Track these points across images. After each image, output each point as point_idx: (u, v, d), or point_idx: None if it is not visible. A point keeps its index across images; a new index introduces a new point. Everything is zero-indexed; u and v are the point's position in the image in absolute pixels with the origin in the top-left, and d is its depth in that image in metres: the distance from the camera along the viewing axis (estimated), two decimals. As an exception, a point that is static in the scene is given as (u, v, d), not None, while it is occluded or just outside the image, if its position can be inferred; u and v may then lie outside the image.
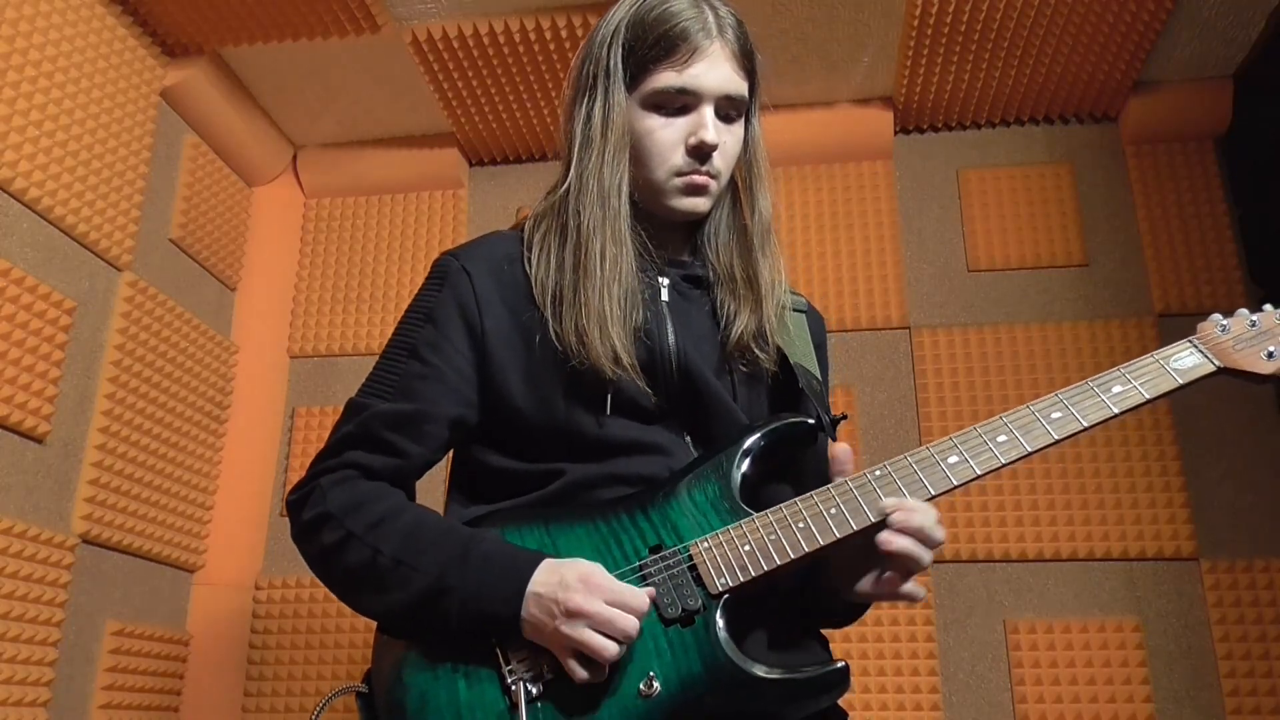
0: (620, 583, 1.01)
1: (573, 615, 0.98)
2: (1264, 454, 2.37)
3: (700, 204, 1.21)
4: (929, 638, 2.35)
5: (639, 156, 1.20)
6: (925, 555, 1.03)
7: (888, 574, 1.06)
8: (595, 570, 1.01)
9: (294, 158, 2.94)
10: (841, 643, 2.34)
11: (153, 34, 2.45)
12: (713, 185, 1.21)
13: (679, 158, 1.19)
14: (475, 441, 1.20)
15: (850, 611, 1.20)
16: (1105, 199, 2.66)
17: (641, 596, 1.00)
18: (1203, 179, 2.61)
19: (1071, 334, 2.52)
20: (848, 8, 2.36)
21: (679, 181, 1.19)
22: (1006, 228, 2.66)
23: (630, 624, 0.98)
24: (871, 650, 2.35)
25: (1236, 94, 2.57)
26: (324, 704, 1.11)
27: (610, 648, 0.97)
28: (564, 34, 2.41)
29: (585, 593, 0.98)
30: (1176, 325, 2.50)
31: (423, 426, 1.14)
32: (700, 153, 1.18)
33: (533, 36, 2.42)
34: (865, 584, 1.09)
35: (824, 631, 1.21)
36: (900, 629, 2.36)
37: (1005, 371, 2.52)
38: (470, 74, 2.57)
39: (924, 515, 1.03)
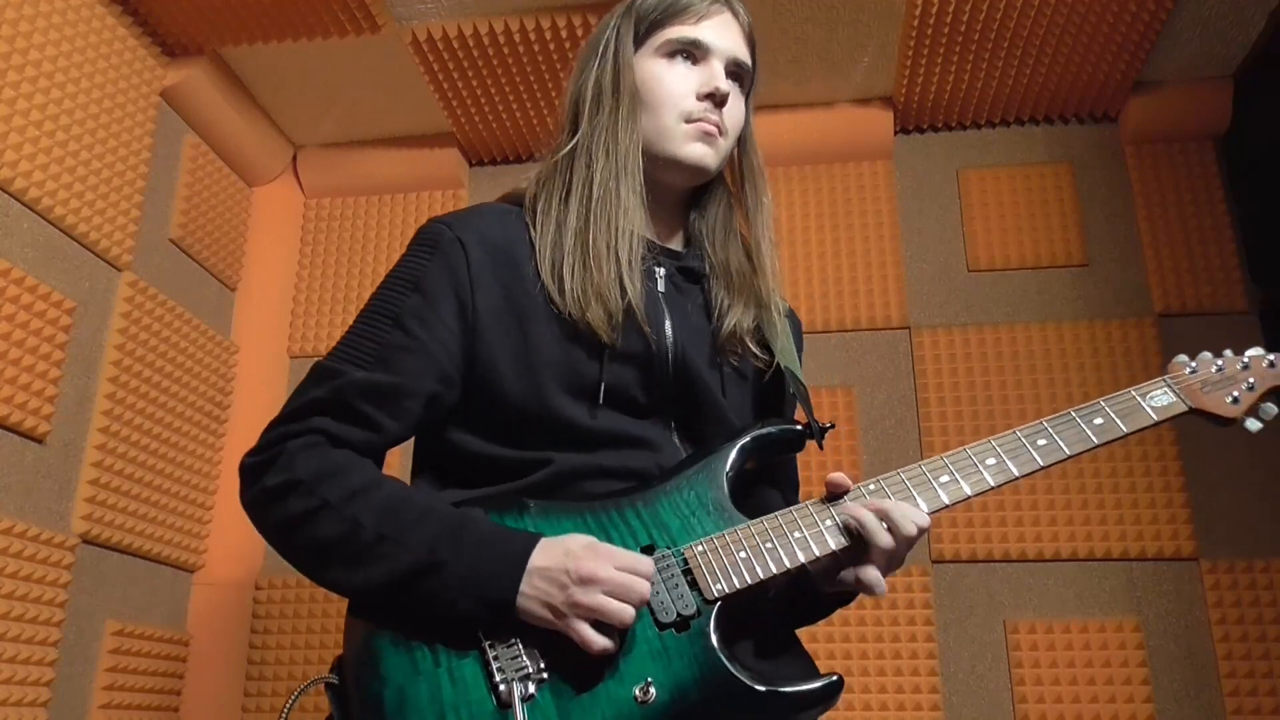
0: (622, 549, 1.00)
1: (586, 581, 0.95)
2: (1264, 454, 2.37)
3: (708, 155, 1.20)
4: (929, 638, 2.35)
5: (648, 103, 1.20)
6: (884, 536, 1.03)
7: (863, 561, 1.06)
8: (596, 540, 1.00)
9: (294, 158, 2.94)
10: (841, 642, 2.34)
11: (153, 34, 2.45)
12: (720, 141, 1.20)
13: (690, 102, 1.19)
14: (453, 423, 1.14)
15: (828, 604, 1.18)
16: (1105, 199, 2.66)
17: (646, 561, 0.99)
18: (1203, 179, 2.61)
19: (1071, 334, 2.52)
20: (848, 8, 2.36)
21: (689, 127, 1.19)
22: (1006, 228, 2.66)
23: (643, 587, 0.97)
24: (871, 650, 2.35)
25: (1236, 94, 2.57)
26: (293, 701, 1.04)
27: (628, 611, 0.95)
28: (564, 34, 2.41)
29: (594, 558, 0.97)
30: (1176, 325, 2.50)
31: (401, 401, 1.08)
32: (714, 99, 1.18)
33: (533, 36, 2.42)
34: (843, 574, 1.08)
35: (813, 626, 1.21)
36: (900, 629, 2.36)
37: (1005, 371, 2.52)
38: (470, 74, 2.57)
39: (899, 508, 1.04)
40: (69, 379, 2.10)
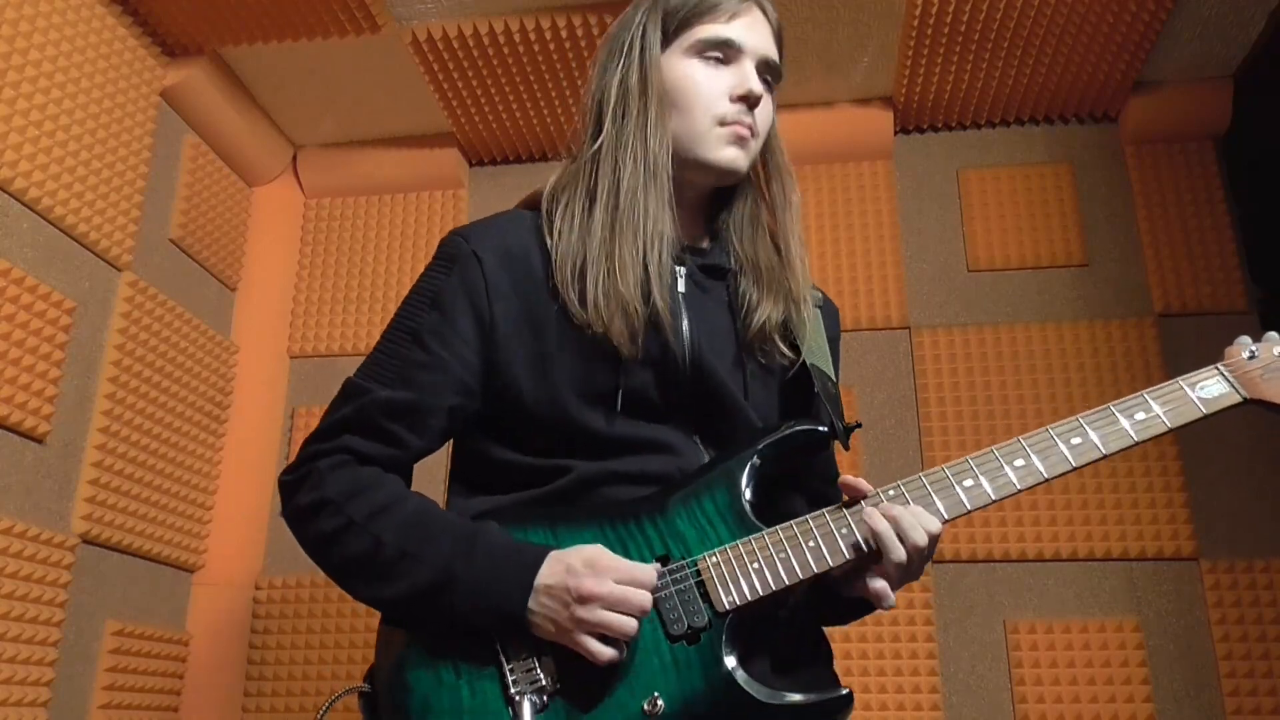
0: (625, 560, 1.00)
1: (586, 600, 0.97)
2: (1264, 454, 2.37)
3: (740, 159, 1.18)
4: (929, 638, 2.35)
5: (679, 104, 1.17)
6: (899, 548, 1.01)
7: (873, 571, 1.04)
8: (600, 553, 1.00)
9: (294, 158, 2.94)
10: (842, 642, 2.34)
11: (153, 34, 2.45)
12: (752, 144, 1.19)
13: (724, 105, 1.16)
14: (479, 432, 1.17)
15: (852, 608, 1.18)
16: (1105, 199, 2.66)
17: (649, 571, 0.99)
18: (1203, 179, 2.61)
19: (1071, 334, 2.52)
20: (848, 8, 2.36)
21: (723, 131, 1.17)
22: (1006, 228, 2.66)
23: (644, 599, 0.97)
24: (871, 650, 2.35)
25: (1236, 94, 2.57)
26: (328, 705, 1.10)
27: (630, 624, 0.96)
28: (564, 34, 2.41)
29: (594, 576, 0.98)
30: (1176, 325, 2.50)
31: (421, 417, 1.11)
32: (748, 101, 1.16)
33: (533, 36, 2.42)
34: (857, 584, 1.07)
35: (826, 629, 1.20)
36: (900, 629, 2.36)
37: (1005, 371, 2.52)
38: (470, 74, 2.57)
39: (910, 516, 1.02)
40: (69, 379, 2.10)
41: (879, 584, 1.03)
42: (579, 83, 2.57)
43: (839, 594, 1.11)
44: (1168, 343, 2.48)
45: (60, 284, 2.09)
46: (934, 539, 1.02)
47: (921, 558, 1.02)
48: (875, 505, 1.05)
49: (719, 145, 1.17)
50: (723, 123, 1.16)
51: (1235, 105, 2.58)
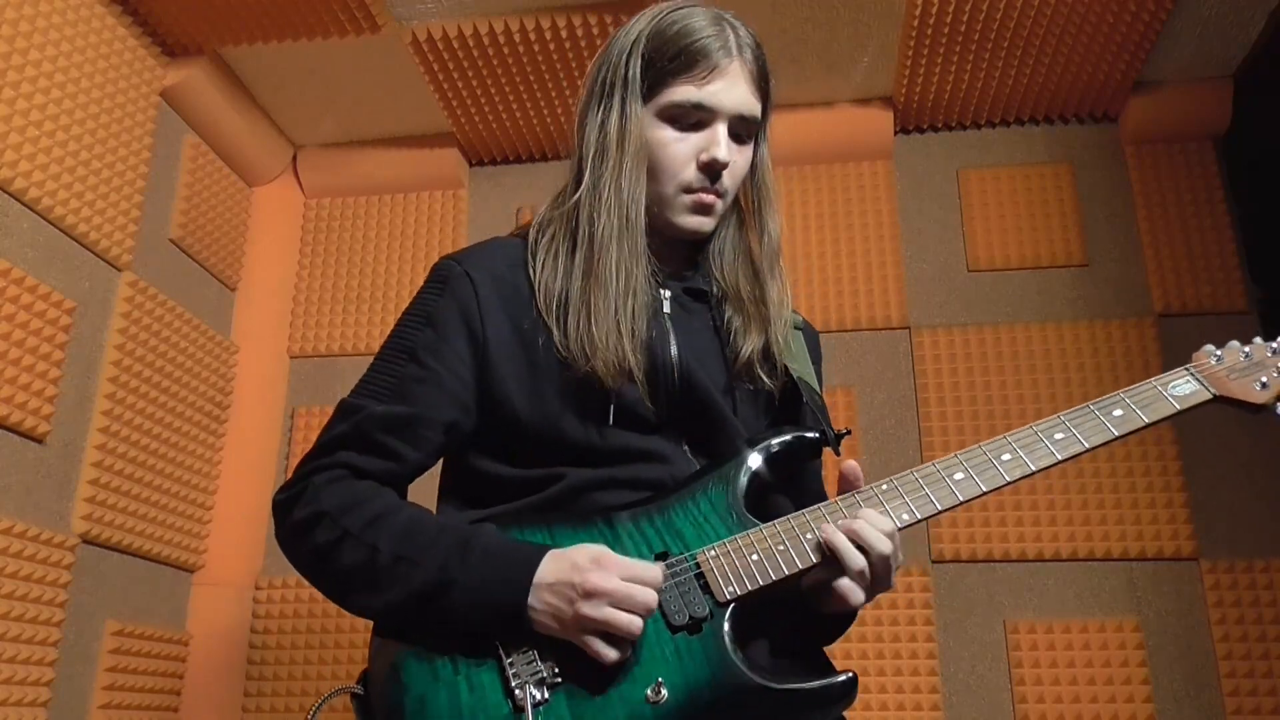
0: (630, 559, 1.01)
1: (592, 595, 0.97)
2: (1264, 454, 2.37)
3: (705, 223, 1.21)
4: (929, 638, 2.35)
5: (650, 166, 1.19)
6: (856, 558, 1.02)
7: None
8: (603, 550, 1.01)
9: (294, 158, 2.94)
10: (842, 642, 2.32)
11: (153, 34, 2.45)
12: (718, 205, 1.21)
13: (690, 173, 1.18)
14: (470, 448, 1.18)
15: (833, 625, 1.19)
16: (1105, 199, 2.66)
17: (655, 569, 1.00)
18: (1203, 179, 2.61)
19: (1071, 334, 2.52)
20: (848, 8, 2.36)
21: (687, 198, 1.19)
22: (1006, 228, 2.66)
23: (650, 597, 0.98)
24: (871, 650, 2.35)
25: (1236, 94, 2.57)
26: (319, 705, 1.09)
27: (636, 623, 0.97)
28: (564, 34, 2.41)
29: (600, 571, 0.98)
30: (1176, 325, 2.50)
31: (418, 431, 1.12)
32: (711, 170, 1.17)
33: (533, 36, 2.42)
34: (825, 597, 1.07)
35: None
36: (900, 629, 2.36)
37: (1005, 371, 2.52)
38: (470, 74, 2.57)
39: (869, 526, 1.03)
40: (69, 379, 2.10)
41: (844, 581, 1.03)
42: (579, 83, 2.57)
43: (819, 612, 1.11)
44: (1168, 343, 2.48)
45: (60, 284, 2.09)
46: (894, 540, 1.04)
47: (886, 566, 1.04)
48: (865, 499, 1.07)
49: (682, 212, 1.20)
50: (688, 190, 1.19)
51: (1235, 105, 2.58)
